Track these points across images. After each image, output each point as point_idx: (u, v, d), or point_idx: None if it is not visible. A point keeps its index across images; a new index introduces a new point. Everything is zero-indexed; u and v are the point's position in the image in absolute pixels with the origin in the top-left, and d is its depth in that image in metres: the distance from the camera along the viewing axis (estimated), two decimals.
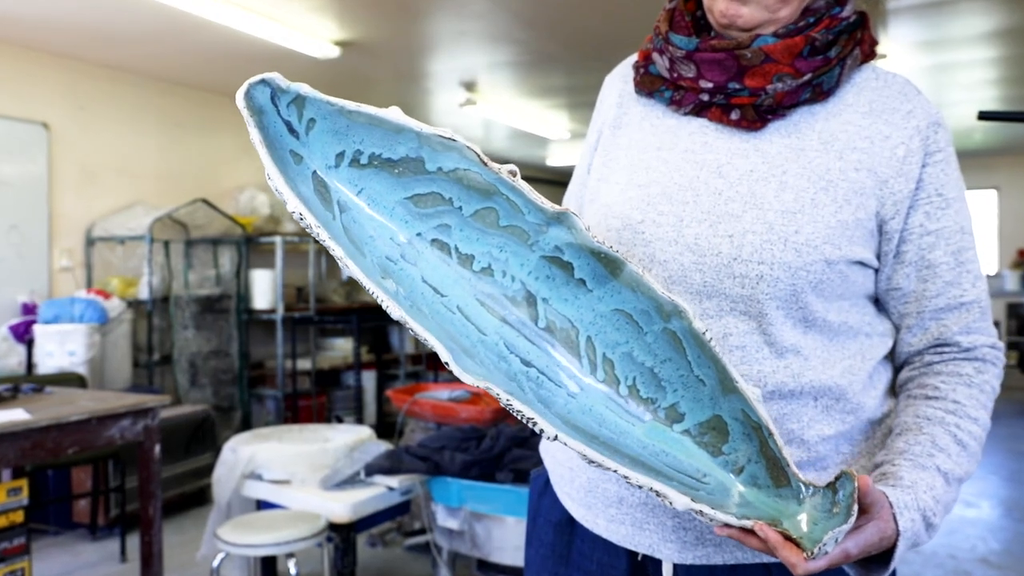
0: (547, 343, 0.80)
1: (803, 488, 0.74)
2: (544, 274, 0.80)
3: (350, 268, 0.73)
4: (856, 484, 0.69)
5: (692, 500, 0.70)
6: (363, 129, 0.76)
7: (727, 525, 0.70)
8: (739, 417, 0.77)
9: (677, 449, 0.78)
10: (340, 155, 0.78)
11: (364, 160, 0.78)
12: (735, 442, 0.77)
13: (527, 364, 0.79)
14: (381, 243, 0.79)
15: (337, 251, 0.73)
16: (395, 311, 0.72)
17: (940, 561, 3.38)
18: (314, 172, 0.77)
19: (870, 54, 0.91)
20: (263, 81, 0.73)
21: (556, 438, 0.71)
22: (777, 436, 0.75)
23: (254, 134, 0.73)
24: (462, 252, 0.80)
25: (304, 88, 0.74)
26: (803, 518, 0.72)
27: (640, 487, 0.71)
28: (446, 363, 0.71)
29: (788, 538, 0.70)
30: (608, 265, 0.78)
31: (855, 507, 0.68)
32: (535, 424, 0.71)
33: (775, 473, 0.76)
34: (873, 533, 0.73)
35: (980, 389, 0.87)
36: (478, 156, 0.75)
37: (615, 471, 0.70)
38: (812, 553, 0.67)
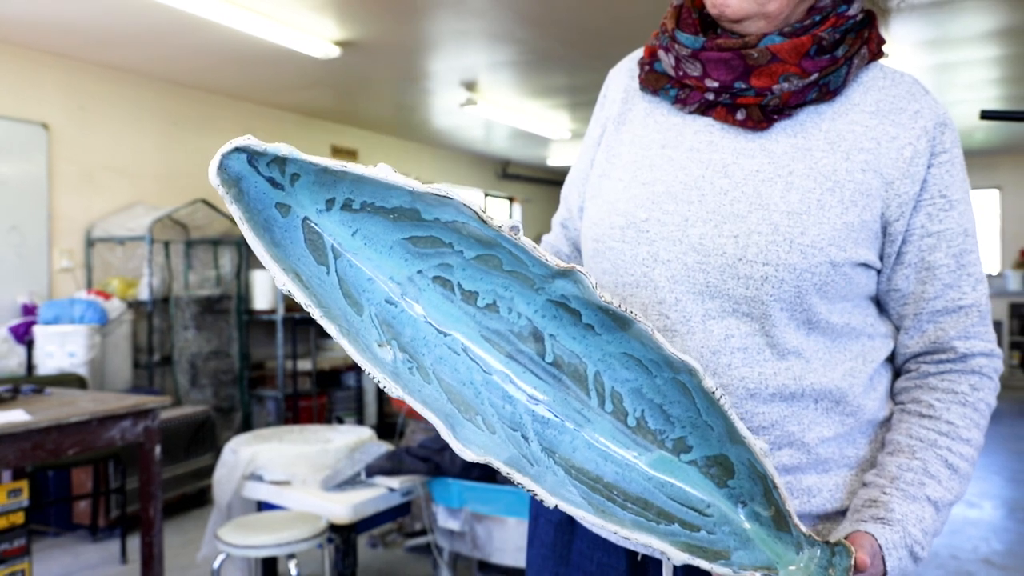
0: (555, 377, 0.78)
1: (803, 539, 0.75)
2: (551, 314, 0.77)
3: (346, 348, 0.71)
4: (852, 562, 0.72)
5: (690, 556, 0.72)
6: (351, 184, 0.73)
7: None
8: (745, 464, 0.76)
9: (682, 478, 0.77)
10: (331, 200, 0.74)
11: (356, 206, 0.74)
12: (741, 479, 0.77)
13: (534, 401, 0.78)
14: (380, 285, 0.76)
15: (331, 328, 0.70)
16: (394, 390, 0.70)
17: (942, 562, 3.37)
18: (304, 219, 0.74)
19: (878, 53, 0.90)
20: (236, 149, 0.67)
21: (556, 507, 0.71)
22: (782, 489, 0.75)
23: (235, 211, 0.69)
24: (465, 289, 0.77)
25: (283, 149, 0.69)
26: (799, 570, 0.73)
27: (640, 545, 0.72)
28: (447, 440, 0.71)
29: None
30: (617, 320, 0.76)
31: None
32: (535, 495, 0.71)
33: (777, 518, 0.76)
34: None
35: (974, 408, 0.87)
36: (476, 214, 0.71)
37: (615, 532, 0.71)
38: None
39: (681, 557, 0.71)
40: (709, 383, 0.74)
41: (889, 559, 0.77)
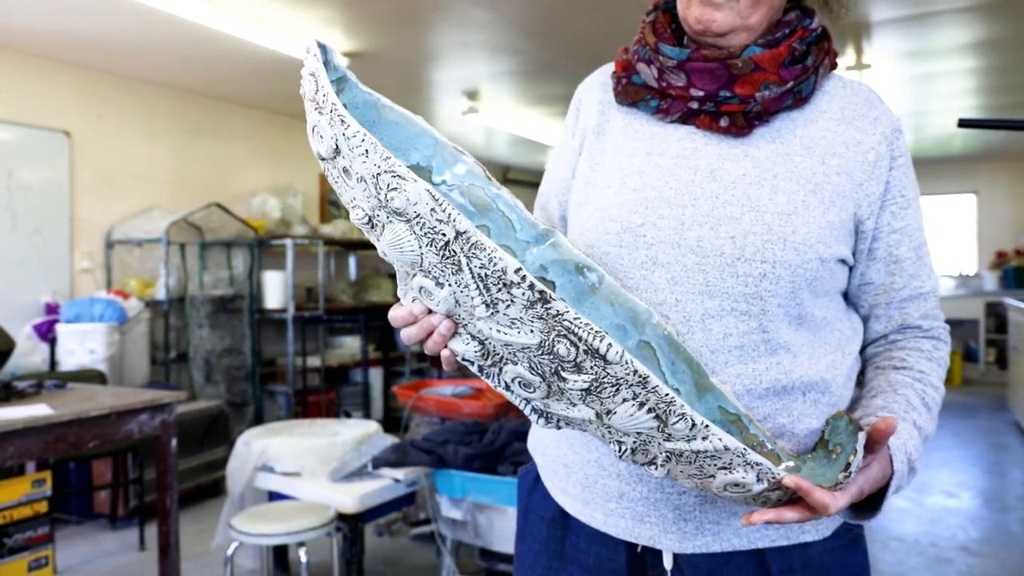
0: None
1: (791, 460, 0.76)
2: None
3: (417, 183, 0.63)
4: (847, 416, 0.74)
5: (745, 446, 0.69)
6: (387, 127, 0.73)
7: (756, 512, 0.72)
8: (716, 416, 0.76)
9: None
10: None
11: None
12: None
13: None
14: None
15: (400, 168, 0.63)
16: (463, 222, 0.63)
17: (922, 549, 3.37)
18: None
19: (834, 64, 0.94)
20: (323, 47, 0.70)
21: (623, 355, 0.65)
22: (755, 421, 0.76)
23: (322, 80, 0.66)
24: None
25: (350, 72, 0.72)
26: (809, 475, 0.74)
27: (720, 440, 0.68)
28: (519, 274, 0.64)
29: None
30: (588, 279, 0.78)
31: (860, 432, 0.71)
32: (611, 347, 0.65)
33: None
34: (877, 471, 0.77)
35: (938, 363, 0.93)
36: (484, 172, 0.75)
37: (698, 423, 0.68)
38: (839, 483, 0.70)
39: (737, 445, 0.68)
40: (671, 328, 0.76)
41: (895, 459, 0.79)
